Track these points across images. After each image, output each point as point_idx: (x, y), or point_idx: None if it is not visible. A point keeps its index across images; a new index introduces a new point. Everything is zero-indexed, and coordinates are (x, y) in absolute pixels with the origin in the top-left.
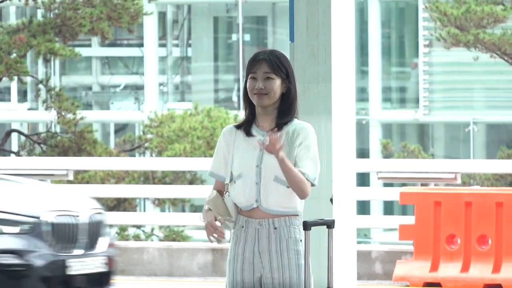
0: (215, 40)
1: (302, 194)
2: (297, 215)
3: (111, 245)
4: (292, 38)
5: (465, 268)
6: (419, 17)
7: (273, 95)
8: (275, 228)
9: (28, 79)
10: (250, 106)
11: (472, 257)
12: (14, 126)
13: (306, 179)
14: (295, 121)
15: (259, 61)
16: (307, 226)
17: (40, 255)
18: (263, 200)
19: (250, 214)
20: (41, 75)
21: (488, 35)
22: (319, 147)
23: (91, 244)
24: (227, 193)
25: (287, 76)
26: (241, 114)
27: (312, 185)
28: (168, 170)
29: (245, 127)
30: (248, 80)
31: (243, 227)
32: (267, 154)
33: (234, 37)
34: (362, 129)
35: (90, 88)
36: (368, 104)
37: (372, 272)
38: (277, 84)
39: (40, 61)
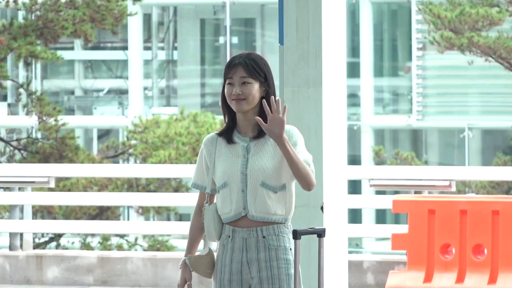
0: (201, 43)
1: (309, 183)
2: (286, 222)
3: None
4: (281, 41)
5: (460, 279)
6: (412, 19)
7: (252, 99)
8: (264, 237)
9: (8, 83)
10: (230, 113)
11: (467, 267)
12: None
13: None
14: None
15: (234, 65)
16: (297, 235)
17: None
18: (250, 207)
19: (236, 223)
20: (21, 79)
21: (483, 38)
22: (309, 152)
23: None
24: (207, 203)
25: (265, 79)
26: None
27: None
28: (153, 177)
29: (226, 134)
30: (225, 86)
31: (229, 236)
32: (252, 159)
33: (221, 39)
34: (353, 135)
35: (72, 92)
36: (360, 109)
37: (364, 283)
38: (255, 88)
39: (21, 64)
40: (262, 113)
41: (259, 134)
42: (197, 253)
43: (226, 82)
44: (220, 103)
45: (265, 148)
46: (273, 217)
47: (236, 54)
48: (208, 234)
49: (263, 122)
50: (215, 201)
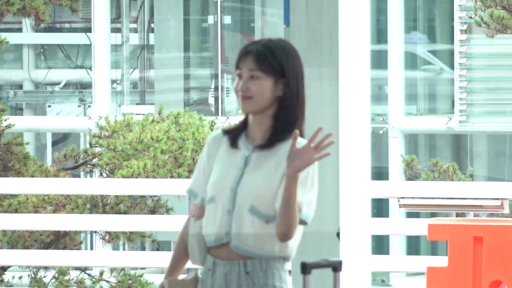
0: (185, 24)
1: (284, 238)
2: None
3: None
4: (287, 21)
5: None
6: None
7: (260, 99)
8: (247, 273)
9: None
10: None
11: None
12: None
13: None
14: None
15: (246, 54)
16: (306, 268)
17: None
18: (233, 235)
19: (218, 252)
20: None
21: None
22: (321, 165)
23: None
24: (193, 217)
25: (283, 75)
26: (220, 121)
27: (303, 223)
28: (123, 194)
29: (232, 135)
30: (236, 77)
31: (210, 270)
32: (248, 175)
33: (210, 19)
34: (379, 141)
35: (20, 86)
36: (387, 108)
37: None
38: (265, 85)
39: None
40: (277, 117)
41: (267, 143)
42: (180, 277)
43: (236, 73)
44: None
45: (268, 164)
46: (260, 252)
47: (253, 41)
48: (191, 256)
49: (295, 145)
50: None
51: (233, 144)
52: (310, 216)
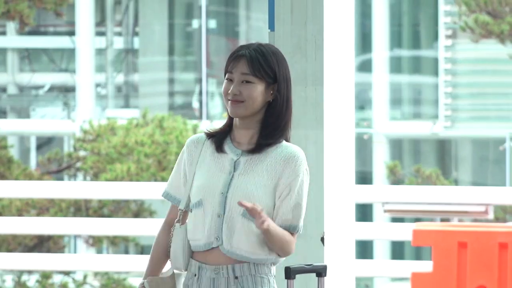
0: (170, 28)
1: (283, 254)
2: (269, 262)
3: None
4: (271, 26)
5: None
6: None
7: (251, 104)
8: (236, 278)
9: None
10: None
11: None
12: None
13: (291, 232)
14: (283, 143)
15: (237, 58)
16: (290, 273)
17: None
18: (225, 239)
19: (205, 257)
20: None
21: None
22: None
23: None
24: (178, 222)
25: (275, 81)
26: (203, 125)
27: (296, 233)
28: (107, 198)
29: (217, 139)
30: (224, 81)
31: (195, 275)
32: (238, 179)
33: (195, 23)
34: (363, 146)
35: (4, 89)
36: (371, 113)
37: None
38: (257, 90)
39: None
40: (266, 122)
41: (256, 148)
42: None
43: (226, 77)
44: (223, 100)
45: (258, 168)
46: (252, 256)
47: (243, 44)
48: (174, 261)
49: (247, 205)
50: (187, 221)
51: (219, 148)
52: (300, 225)
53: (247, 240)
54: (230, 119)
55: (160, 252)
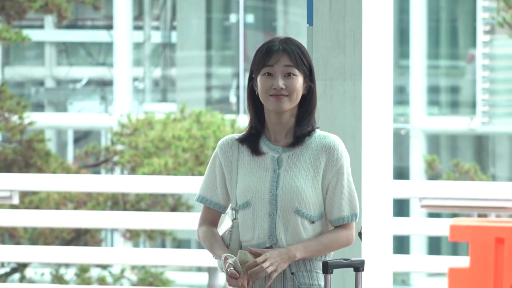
0: (207, 22)
1: (343, 247)
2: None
3: None
4: (310, 21)
5: None
6: None
7: (295, 97)
8: (292, 274)
9: None
10: (257, 114)
11: None
12: None
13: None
14: (317, 132)
15: (277, 52)
16: (328, 268)
17: None
18: (279, 237)
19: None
20: None
21: None
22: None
23: None
24: (223, 225)
25: (310, 72)
26: (241, 120)
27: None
28: (144, 192)
29: (251, 142)
30: (260, 77)
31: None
32: (285, 176)
33: (232, 18)
34: (400, 141)
35: (42, 83)
36: (409, 108)
37: None
38: (299, 82)
39: None
40: (299, 114)
41: (295, 142)
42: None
43: (263, 73)
44: (245, 101)
45: (301, 163)
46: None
47: (271, 39)
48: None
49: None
50: (224, 222)
51: (256, 151)
52: (357, 212)
53: (302, 237)
54: (257, 120)
55: (219, 238)
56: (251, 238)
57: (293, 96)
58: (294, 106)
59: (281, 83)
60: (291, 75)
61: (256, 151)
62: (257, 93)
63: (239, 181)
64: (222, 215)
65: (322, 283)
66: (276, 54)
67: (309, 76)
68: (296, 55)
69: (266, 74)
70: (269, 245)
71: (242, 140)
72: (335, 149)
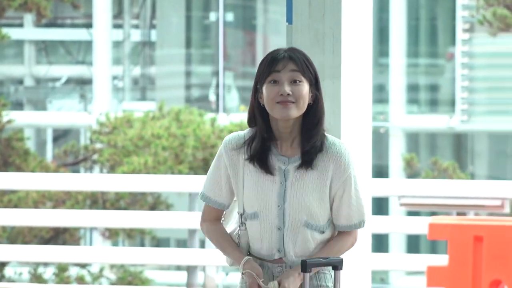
0: (187, 20)
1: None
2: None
3: None
4: (289, 19)
5: None
6: None
7: (302, 104)
8: (299, 274)
9: None
10: (263, 125)
11: None
12: None
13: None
14: (327, 139)
15: (283, 59)
16: (306, 267)
17: None
18: (288, 250)
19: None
20: None
21: None
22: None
23: None
24: (242, 226)
25: (316, 81)
26: (221, 118)
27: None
28: (123, 191)
29: (260, 153)
30: (266, 85)
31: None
32: (292, 190)
33: (212, 16)
34: (379, 140)
35: (21, 81)
36: (388, 107)
37: None
38: (306, 89)
39: None
40: (305, 124)
41: (304, 157)
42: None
43: (269, 80)
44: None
45: (308, 175)
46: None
47: (275, 49)
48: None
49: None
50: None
51: (264, 163)
52: (365, 219)
53: (311, 247)
54: (264, 129)
55: (229, 237)
56: (259, 248)
57: (299, 103)
58: (300, 115)
59: (287, 89)
60: (297, 81)
61: (266, 169)
62: (263, 104)
63: (245, 188)
64: (227, 210)
65: (330, 284)
66: (282, 61)
67: (315, 85)
68: (302, 62)
69: (272, 82)
70: (277, 258)
71: (248, 143)
72: (342, 159)
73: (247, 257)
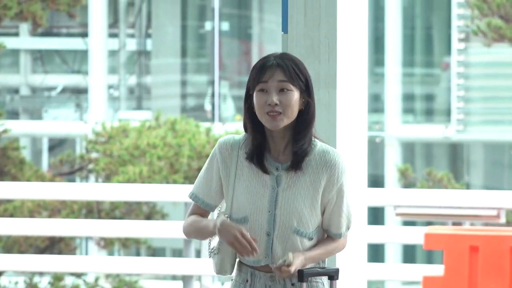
0: (182, 30)
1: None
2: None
3: None
4: (285, 28)
5: None
6: (452, 2)
7: (291, 113)
8: (293, 285)
9: None
10: (256, 128)
11: None
12: None
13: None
14: (318, 146)
15: (271, 67)
16: (303, 276)
17: None
18: (276, 257)
19: (255, 266)
20: None
21: None
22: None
23: None
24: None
25: (307, 87)
26: (216, 128)
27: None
28: (119, 200)
29: (254, 154)
30: (256, 93)
31: (247, 281)
32: (283, 196)
33: (208, 25)
34: (375, 149)
35: (17, 90)
36: (384, 116)
37: None
38: (295, 97)
39: None
40: (297, 129)
41: (294, 162)
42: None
43: (258, 89)
44: (243, 115)
45: (301, 181)
46: (307, 267)
47: (266, 55)
48: (219, 268)
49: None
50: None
51: (260, 164)
52: (350, 226)
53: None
54: (258, 134)
55: (202, 217)
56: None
57: (287, 112)
58: (291, 121)
59: (275, 98)
60: (286, 90)
61: (260, 164)
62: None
63: (236, 192)
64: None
65: None
66: (270, 70)
67: (306, 91)
68: (291, 70)
69: (261, 90)
70: (264, 264)
71: (244, 147)
72: (336, 167)
73: (223, 217)
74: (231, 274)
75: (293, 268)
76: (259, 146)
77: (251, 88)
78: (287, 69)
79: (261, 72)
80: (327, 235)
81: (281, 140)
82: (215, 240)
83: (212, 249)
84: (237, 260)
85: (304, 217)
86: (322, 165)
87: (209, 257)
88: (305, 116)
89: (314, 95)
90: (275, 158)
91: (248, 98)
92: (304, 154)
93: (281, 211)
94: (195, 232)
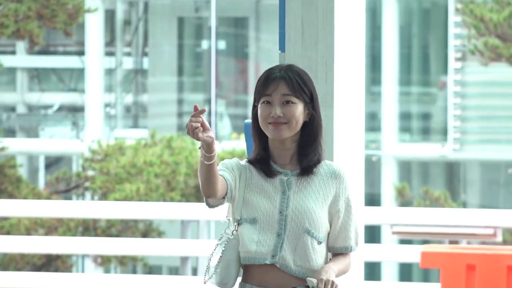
0: (179, 48)
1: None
2: None
3: None
4: (282, 47)
5: None
6: (449, 22)
7: (295, 124)
8: None
9: None
10: (261, 140)
11: None
12: None
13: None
14: (325, 162)
15: (275, 80)
16: None
17: None
18: (283, 255)
19: (260, 278)
20: None
21: None
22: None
23: None
24: (234, 231)
25: (311, 100)
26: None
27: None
28: (115, 218)
29: (261, 164)
30: (260, 106)
31: None
32: (295, 198)
33: (204, 44)
34: (372, 168)
35: (13, 109)
36: (381, 135)
37: None
38: (299, 110)
39: None
40: (302, 141)
41: (303, 172)
42: None
43: (262, 101)
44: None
45: (311, 186)
46: (311, 274)
47: (272, 66)
48: (224, 275)
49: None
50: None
51: (268, 173)
52: (358, 243)
53: (311, 257)
54: (262, 146)
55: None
56: (251, 250)
57: (292, 124)
58: (294, 134)
59: (278, 111)
60: (289, 102)
61: (268, 172)
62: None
63: (248, 194)
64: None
65: None
66: (274, 83)
67: (311, 104)
68: (294, 83)
69: (265, 103)
70: (269, 263)
71: (252, 162)
72: (343, 178)
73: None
74: (233, 285)
75: (331, 277)
76: (267, 153)
77: (256, 100)
78: (290, 82)
79: (265, 84)
80: (333, 253)
81: (286, 152)
82: (212, 262)
83: (210, 273)
84: (240, 281)
85: (315, 218)
86: (329, 173)
87: (204, 283)
88: (310, 128)
89: (319, 107)
90: (282, 166)
91: (254, 108)
92: (312, 164)
93: (293, 211)
94: (200, 174)
